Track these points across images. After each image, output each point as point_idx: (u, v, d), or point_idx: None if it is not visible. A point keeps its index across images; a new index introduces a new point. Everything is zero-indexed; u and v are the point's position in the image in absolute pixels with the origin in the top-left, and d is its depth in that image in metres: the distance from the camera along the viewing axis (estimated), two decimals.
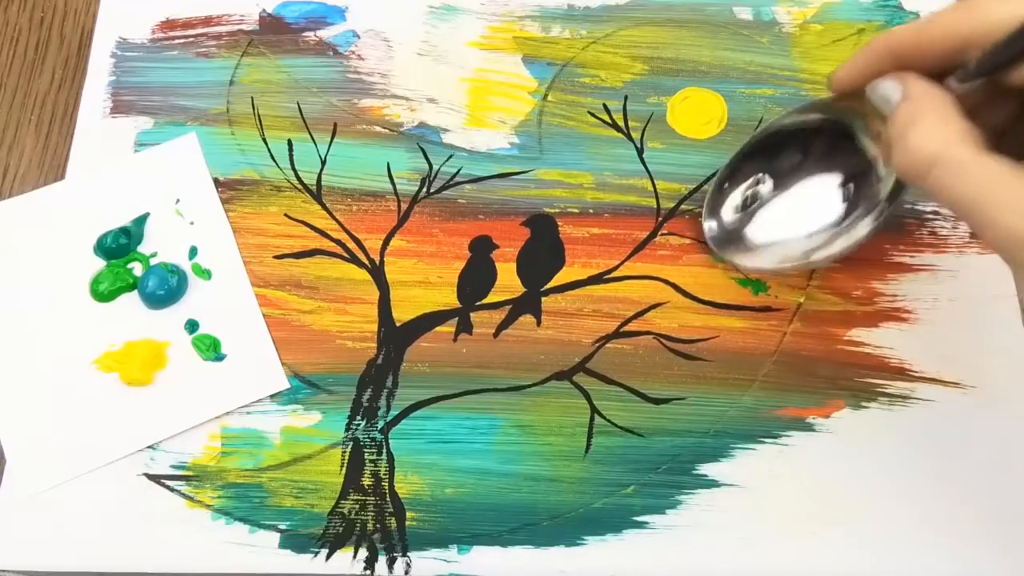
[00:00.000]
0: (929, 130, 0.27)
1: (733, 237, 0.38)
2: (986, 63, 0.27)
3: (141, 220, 0.39)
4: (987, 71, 0.27)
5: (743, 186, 0.38)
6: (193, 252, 0.39)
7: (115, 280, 0.38)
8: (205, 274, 0.38)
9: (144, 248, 0.39)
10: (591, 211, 0.40)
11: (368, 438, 0.36)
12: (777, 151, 0.37)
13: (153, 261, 0.39)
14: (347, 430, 0.36)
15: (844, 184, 0.36)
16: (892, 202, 0.34)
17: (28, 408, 0.36)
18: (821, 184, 0.36)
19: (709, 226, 0.38)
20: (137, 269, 0.38)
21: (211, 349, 0.37)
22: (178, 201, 0.40)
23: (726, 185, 0.38)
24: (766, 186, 0.37)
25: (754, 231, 0.38)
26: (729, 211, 0.38)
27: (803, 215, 0.36)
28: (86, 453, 0.35)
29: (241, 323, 0.38)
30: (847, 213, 0.35)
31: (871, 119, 0.33)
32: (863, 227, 0.34)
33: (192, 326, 0.38)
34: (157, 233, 0.39)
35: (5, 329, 0.37)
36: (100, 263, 0.39)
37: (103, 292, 0.38)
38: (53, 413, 0.36)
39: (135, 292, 0.38)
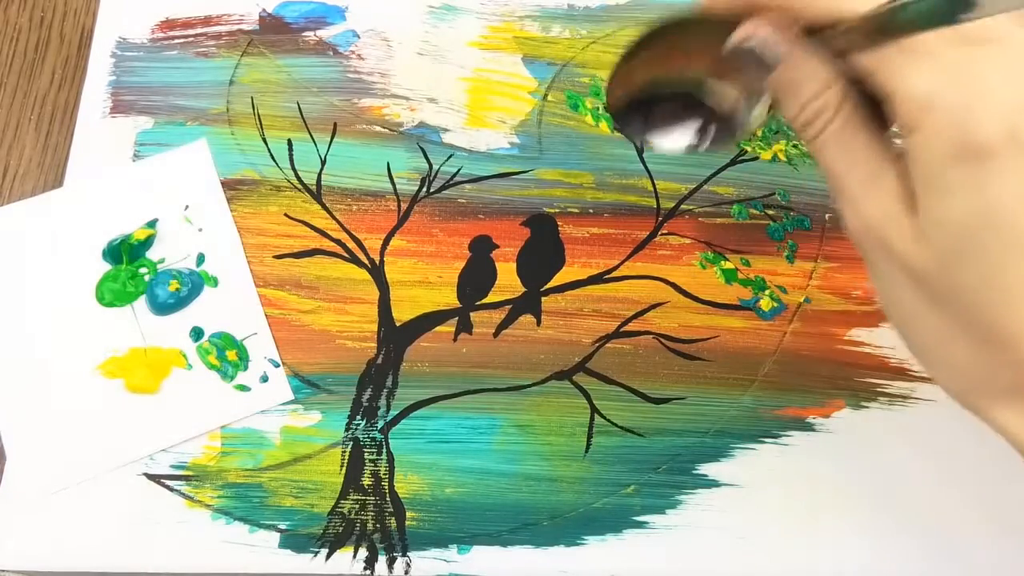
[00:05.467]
0: (818, 103, 0.26)
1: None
2: (880, 22, 0.24)
3: (152, 224, 0.39)
4: (882, 32, 0.24)
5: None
6: (201, 259, 0.39)
7: (123, 286, 0.38)
8: (212, 281, 0.38)
9: (152, 254, 0.39)
10: (591, 211, 0.40)
11: (368, 438, 0.36)
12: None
13: (161, 267, 0.38)
14: (347, 430, 0.36)
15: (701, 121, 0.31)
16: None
17: (31, 412, 0.36)
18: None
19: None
20: (145, 275, 0.38)
21: (215, 357, 0.37)
22: (187, 207, 0.40)
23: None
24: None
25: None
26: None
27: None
28: (87, 459, 0.35)
29: (246, 331, 0.38)
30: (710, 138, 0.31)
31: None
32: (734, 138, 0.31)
33: (197, 333, 0.38)
34: (165, 239, 0.39)
35: (10, 333, 0.37)
36: (107, 268, 0.38)
37: (109, 297, 0.38)
38: (56, 418, 0.36)
39: (140, 298, 0.38)
